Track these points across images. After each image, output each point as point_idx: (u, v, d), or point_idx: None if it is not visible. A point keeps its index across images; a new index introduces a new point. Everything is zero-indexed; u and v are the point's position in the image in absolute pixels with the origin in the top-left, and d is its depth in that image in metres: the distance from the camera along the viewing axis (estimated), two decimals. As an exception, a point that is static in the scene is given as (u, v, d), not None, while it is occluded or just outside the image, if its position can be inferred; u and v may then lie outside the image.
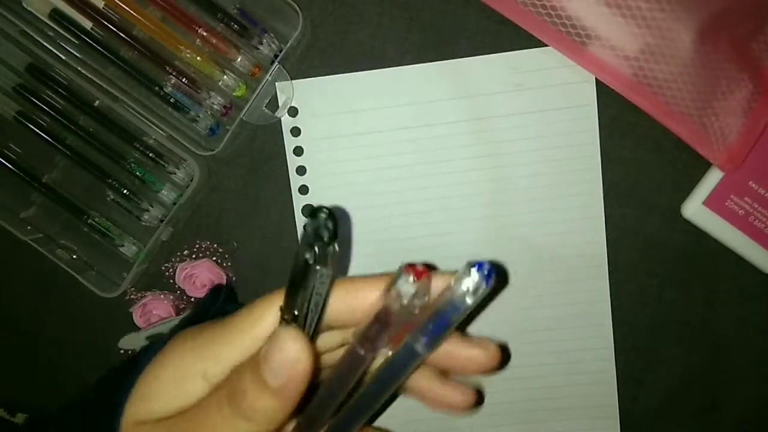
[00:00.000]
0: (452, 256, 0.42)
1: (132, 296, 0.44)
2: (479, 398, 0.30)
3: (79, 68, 0.41)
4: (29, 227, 0.43)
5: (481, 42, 0.41)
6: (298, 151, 0.42)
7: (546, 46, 0.39)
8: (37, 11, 0.41)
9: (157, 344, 0.29)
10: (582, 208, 0.42)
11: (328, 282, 0.24)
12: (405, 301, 0.23)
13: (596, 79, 0.40)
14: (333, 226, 0.23)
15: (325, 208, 0.23)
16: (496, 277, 0.23)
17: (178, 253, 0.44)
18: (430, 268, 0.24)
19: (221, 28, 0.41)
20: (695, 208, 0.40)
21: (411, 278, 0.23)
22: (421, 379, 0.30)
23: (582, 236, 0.42)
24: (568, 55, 0.38)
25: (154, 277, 0.44)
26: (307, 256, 0.23)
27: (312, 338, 0.26)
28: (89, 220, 0.43)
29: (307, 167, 0.42)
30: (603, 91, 0.40)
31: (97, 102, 0.42)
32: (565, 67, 0.40)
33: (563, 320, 0.42)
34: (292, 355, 0.23)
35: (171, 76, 0.41)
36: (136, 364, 0.28)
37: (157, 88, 0.41)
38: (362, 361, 0.25)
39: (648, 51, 0.37)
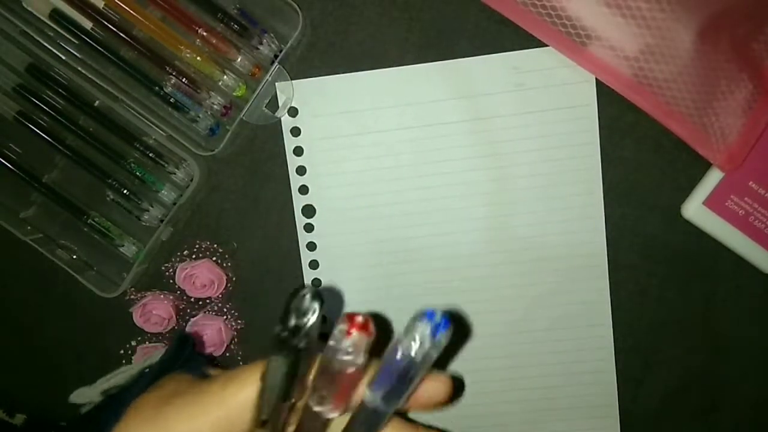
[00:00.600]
0: (452, 256, 0.42)
1: (132, 296, 0.44)
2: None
3: (79, 68, 0.41)
4: (29, 227, 0.43)
5: (482, 42, 0.41)
6: (298, 151, 0.42)
7: (546, 46, 0.39)
8: (37, 11, 0.41)
9: (118, 407, 0.27)
10: (582, 208, 0.42)
11: (282, 372, 0.22)
12: (340, 356, 0.22)
13: (596, 79, 0.40)
14: (312, 314, 0.21)
15: (312, 289, 0.21)
16: (452, 326, 0.21)
17: (178, 253, 0.44)
18: (373, 319, 0.22)
19: (221, 28, 0.41)
20: (695, 208, 0.40)
21: (344, 330, 0.22)
22: None
23: (582, 236, 0.42)
24: (568, 55, 0.38)
25: (154, 277, 0.44)
26: (275, 333, 0.22)
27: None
28: (89, 220, 0.43)
29: (307, 167, 0.42)
30: (603, 91, 0.40)
31: (97, 102, 0.42)
32: (565, 67, 0.40)
33: (563, 320, 0.42)
34: None
35: (171, 76, 0.41)
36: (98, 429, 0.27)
37: (157, 88, 0.41)
38: (317, 417, 0.24)
39: (648, 51, 0.37)
